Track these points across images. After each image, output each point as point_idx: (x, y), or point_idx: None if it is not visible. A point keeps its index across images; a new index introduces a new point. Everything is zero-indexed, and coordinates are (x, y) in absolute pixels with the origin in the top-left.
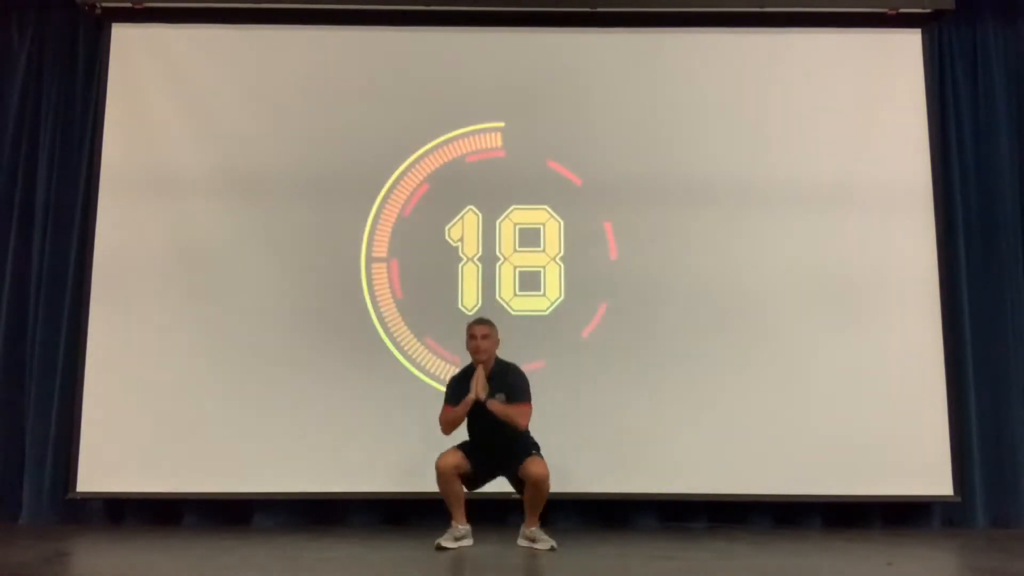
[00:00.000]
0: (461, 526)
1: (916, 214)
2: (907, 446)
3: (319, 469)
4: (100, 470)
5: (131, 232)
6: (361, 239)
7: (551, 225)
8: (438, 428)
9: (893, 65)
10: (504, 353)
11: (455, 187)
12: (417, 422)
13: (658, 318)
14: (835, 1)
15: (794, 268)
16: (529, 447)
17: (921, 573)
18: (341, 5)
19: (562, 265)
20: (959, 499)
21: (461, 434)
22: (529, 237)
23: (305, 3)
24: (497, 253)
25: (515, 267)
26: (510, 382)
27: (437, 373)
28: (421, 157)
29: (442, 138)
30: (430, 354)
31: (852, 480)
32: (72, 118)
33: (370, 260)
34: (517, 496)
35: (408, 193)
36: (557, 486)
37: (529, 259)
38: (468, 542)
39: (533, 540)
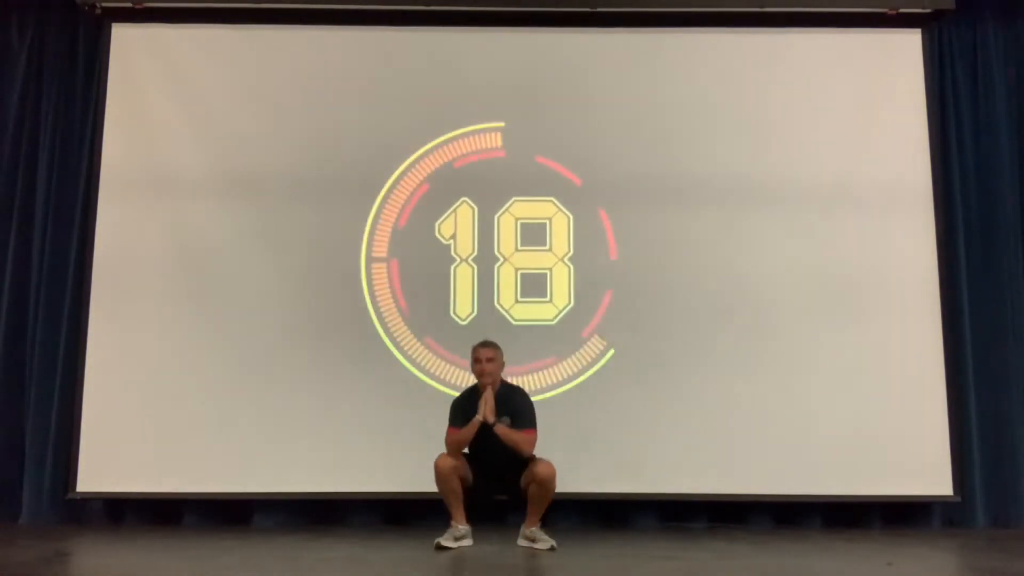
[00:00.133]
0: (461, 526)
1: (916, 214)
2: (907, 446)
3: (319, 469)
4: (100, 470)
5: (131, 232)
6: (361, 239)
7: (559, 219)
8: (438, 428)
9: (893, 65)
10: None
11: (455, 187)
12: (417, 422)
13: (658, 318)
14: (835, 1)
15: (794, 268)
16: (528, 460)
17: (921, 573)
18: (341, 5)
19: (571, 266)
20: (959, 499)
21: None
22: (533, 234)
23: (305, 3)
24: (496, 253)
25: (517, 269)
26: (516, 407)
27: (437, 373)
28: (421, 157)
29: (442, 138)
30: (430, 354)
31: (852, 480)
32: (72, 118)
33: (370, 260)
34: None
35: (408, 193)
36: (557, 486)
37: (534, 259)
38: (468, 542)
39: (533, 540)
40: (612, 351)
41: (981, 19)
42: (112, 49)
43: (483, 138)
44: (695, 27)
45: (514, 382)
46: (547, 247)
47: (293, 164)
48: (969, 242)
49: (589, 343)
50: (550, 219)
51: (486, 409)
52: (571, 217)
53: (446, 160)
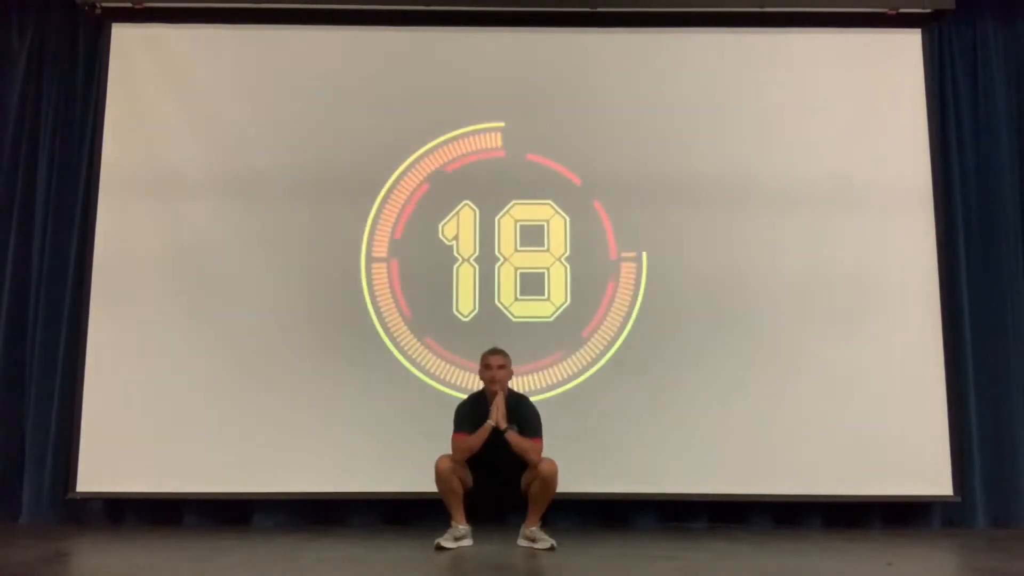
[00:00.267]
0: (461, 526)
1: (916, 214)
2: (907, 446)
3: (319, 469)
4: (100, 470)
5: (131, 232)
6: (361, 239)
7: (556, 221)
8: (438, 428)
9: (893, 65)
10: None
11: (455, 187)
12: (417, 422)
13: (658, 318)
14: (835, 1)
15: (794, 267)
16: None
17: (921, 573)
18: (341, 5)
19: (568, 266)
20: (959, 499)
21: None
22: (532, 235)
23: (305, 3)
24: (496, 253)
25: (516, 269)
26: (523, 415)
27: (437, 373)
28: (421, 157)
29: (442, 138)
30: (430, 354)
31: (852, 480)
32: (72, 118)
33: (370, 260)
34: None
35: (408, 193)
36: (558, 486)
37: (532, 260)
38: (468, 542)
39: (533, 540)
40: (612, 351)
41: (981, 19)
42: (112, 49)
43: (483, 138)
44: (695, 27)
45: (515, 381)
46: (545, 248)
47: (293, 164)
48: (969, 242)
49: (589, 343)
50: (547, 221)
51: (498, 415)
52: (568, 219)
53: (446, 160)
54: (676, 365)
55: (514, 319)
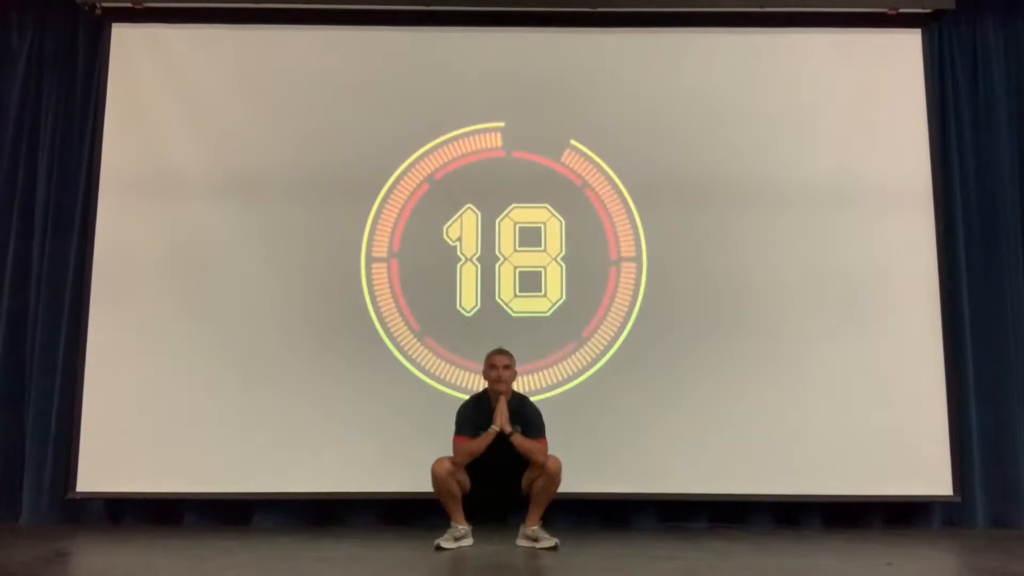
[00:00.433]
0: (461, 526)
1: (916, 214)
2: (907, 446)
3: (319, 469)
4: (100, 470)
5: (131, 232)
6: (361, 239)
7: (552, 224)
8: (438, 427)
9: (893, 65)
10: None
11: (455, 187)
12: (417, 422)
13: (657, 318)
14: (835, 1)
15: (793, 267)
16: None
17: (921, 573)
18: (341, 5)
19: (564, 265)
20: (959, 499)
21: None
22: (530, 236)
23: (305, 3)
24: (497, 253)
25: (515, 267)
26: (527, 416)
27: (437, 373)
28: (421, 157)
29: (442, 138)
30: (430, 354)
31: (852, 480)
32: (72, 118)
33: (370, 260)
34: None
35: (408, 193)
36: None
37: (530, 259)
38: (468, 542)
39: (536, 539)
40: (612, 351)
41: (981, 19)
42: (112, 49)
43: (483, 138)
44: (695, 27)
45: (516, 382)
46: (542, 248)
47: (293, 164)
48: (969, 242)
49: (589, 343)
50: (544, 223)
51: (502, 419)
52: (563, 221)
53: (446, 160)
54: (676, 365)
55: (513, 314)
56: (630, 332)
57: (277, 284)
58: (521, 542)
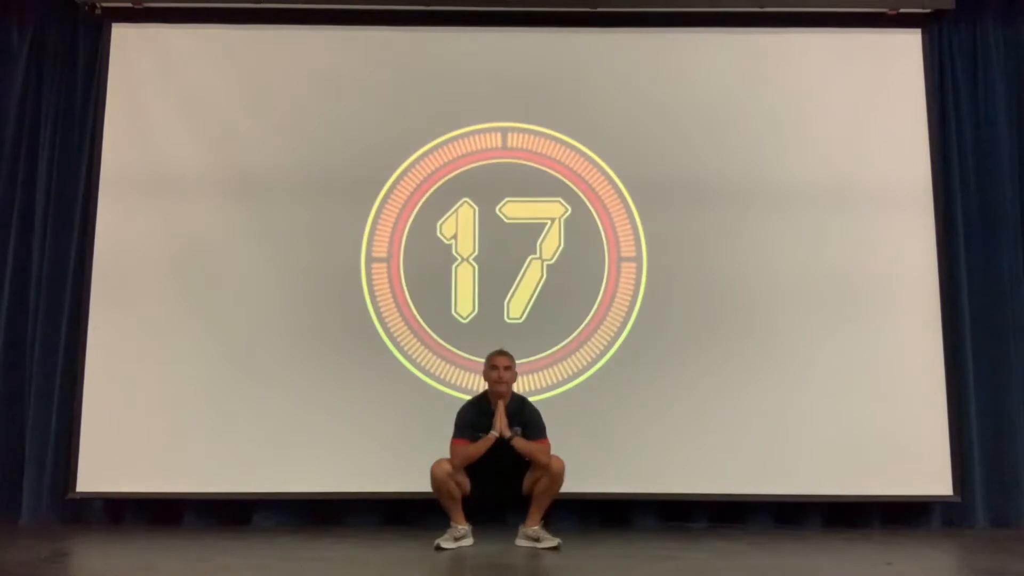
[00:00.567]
0: (460, 526)
1: (916, 214)
2: (907, 446)
3: (319, 469)
4: (100, 470)
5: (131, 232)
6: (361, 239)
7: (552, 223)
8: (438, 427)
9: (893, 65)
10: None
11: (455, 187)
12: (417, 422)
13: (657, 318)
14: (835, 1)
15: (794, 267)
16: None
17: (921, 573)
18: (341, 5)
19: (563, 265)
20: (959, 499)
21: None
22: (529, 235)
23: (305, 3)
24: (495, 252)
25: (514, 267)
26: (527, 418)
27: (437, 373)
28: (421, 157)
29: (442, 138)
30: (430, 354)
31: (852, 480)
32: (72, 118)
33: (370, 260)
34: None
35: (408, 193)
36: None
37: (529, 258)
38: (468, 542)
39: (537, 539)
40: (612, 351)
41: (981, 19)
42: (112, 49)
43: (483, 138)
44: (695, 27)
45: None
46: (540, 246)
47: (293, 164)
48: (969, 242)
49: (589, 343)
50: (544, 222)
51: (501, 424)
52: (563, 221)
53: (446, 160)
54: (676, 365)
55: (513, 314)
56: (630, 332)
57: (277, 284)
58: (521, 542)
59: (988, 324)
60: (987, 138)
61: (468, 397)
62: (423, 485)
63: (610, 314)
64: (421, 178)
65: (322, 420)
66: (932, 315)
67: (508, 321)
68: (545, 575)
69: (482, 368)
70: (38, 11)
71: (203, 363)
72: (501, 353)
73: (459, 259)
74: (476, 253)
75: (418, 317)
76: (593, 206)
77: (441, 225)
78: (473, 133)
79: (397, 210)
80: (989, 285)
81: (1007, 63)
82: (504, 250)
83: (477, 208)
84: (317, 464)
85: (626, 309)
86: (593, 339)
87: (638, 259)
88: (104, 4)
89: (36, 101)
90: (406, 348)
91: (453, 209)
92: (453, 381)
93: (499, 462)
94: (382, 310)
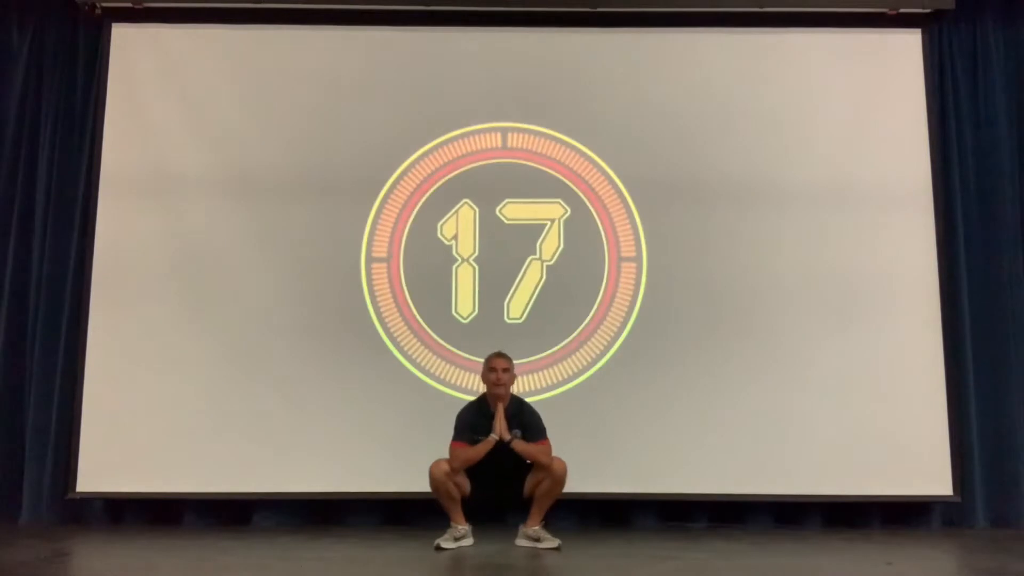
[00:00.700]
0: (460, 526)
1: (916, 214)
2: (907, 446)
3: (319, 469)
4: (100, 470)
5: (131, 232)
6: (361, 239)
7: (552, 223)
8: (438, 427)
9: (893, 65)
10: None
11: (455, 187)
12: (417, 422)
13: (657, 318)
14: (835, 1)
15: (794, 267)
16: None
17: (921, 573)
18: (341, 5)
19: (561, 265)
20: (959, 499)
21: None
22: (529, 235)
23: (305, 3)
24: (494, 252)
25: (514, 267)
26: (526, 419)
27: (437, 373)
28: (421, 157)
29: (442, 138)
30: (430, 354)
31: (852, 480)
32: (72, 118)
33: (370, 260)
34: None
35: (408, 193)
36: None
37: (529, 258)
38: (468, 542)
39: (537, 540)
40: (612, 351)
41: (981, 19)
42: (112, 49)
43: (483, 138)
44: (695, 27)
45: (515, 382)
46: (541, 247)
47: (293, 164)
48: (969, 242)
49: (589, 343)
50: (544, 221)
51: (500, 427)
52: (566, 220)
53: (446, 160)
54: (676, 365)
55: (512, 315)
56: (630, 332)
57: (277, 284)
58: (521, 542)
59: (988, 324)
60: (987, 138)
61: (468, 397)
62: (423, 485)
63: (610, 314)
64: (421, 178)
65: (322, 420)
66: (932, 315)
67: (508, 321)
68: (545, 575)
69: (481, 370)
70: (38, 11)
71: (203, 363)
72: (499, 355)
73: (460, 260)
74: (476, 254)
75: (418, 317)
76: (593, 206)
77: (442, 226)
78: (473, 133)
79: (397, 210)
80: (989, 285)
81: (1007, 63)
82: (504, 251)
83: (477, 209)
84: (317, 464)
85: (626, 309)
86: (593, 339)
87: (638, 259)
88: (104, 4)
89: (36, 101)
90: (406, 348)
91: (454, 210)
92: (453, 381)
93: (499, 465)
94: (382, 310)
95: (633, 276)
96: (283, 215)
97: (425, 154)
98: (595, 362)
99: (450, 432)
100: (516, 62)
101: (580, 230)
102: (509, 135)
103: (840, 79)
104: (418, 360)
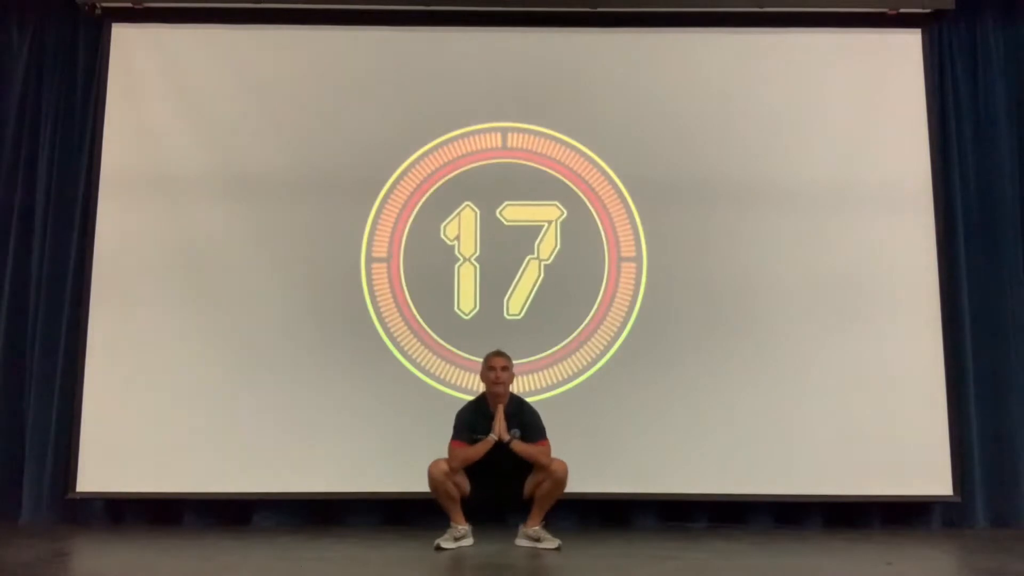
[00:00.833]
0: (460, 526)
1: (916, 214)
2: (907, 446)
3: (319, 469)
4: (100, 470)
5: (131, 232)
6: (361, 239)
7: (548, 226)
8: (438, 427)
9: (893, 65)
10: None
11: (455, 187)
12: (417, 422)
13: (657, 318)
14: (835, 1)
15: (794, 268)
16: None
17: (921, 573)
18: (341, 5)
19: (561, 265)
20: (959, 499)
21: None
22: (529, 235)
23: (305, 3)
24: (495, 252)
25: (514, 267)
26: (526, 419)
27: (437, 373)
28: (421, 157)
29: (442, 138)
30: (430, 354)
31: (852, 480)
32: (72, 118)
33: (370, 260)
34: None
35: (408, 193)
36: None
37: (529, 258)
38: (468, 542)
39: (538, 540)
40: (612, 351)
41: (981, 19)
42: (112, 49)
43: (483, 138)
44: (695, 27)
45: (515, 382)
46: (538, 247)
47: (293, 164)
48: (969, 242)
49: (589, 343)
50: (544, 223)
51: (500, 427)
52: (563, 221)
53: (446, 160)
54: (676, 365)
55: (513, 314)
56: (630, 332)
57: (277, 284)
58: (521, 542)
59: (988, 324)
60: (987, 138)
61: (468, 397)
62: (423, 485)
63: (610, 314)
64: (421, 178)
65: (322, 420)
66: (932, 315)
67: (507, 318)
68: (545, 575)
69: (480, 370)
70: (38, 11)
71: (203, 363)
72: (498, 353)
73: (461, 259)
74: (477, 254)
75: (418, 317)
76: (593, 206)
77: (445, 227)
78: (473, 133)
79: (397, 210)
80: (989, 285)
81: (1007, 63)
82: (504, 251)
83: (478, 211)
84: (317, 464)
85: (626, 309)
86: (593, 339)
87: (638, 259)
88: (104, 4)
89: (36, 101)
90: (406, 348)
91: (456, 212)
92: (453, 381)
93: (499, 465)
94: (382, 310)
95: (633, 276)
96: (283, 215)
97: (425, 154)
98: (595, 362)
99: (450, 432)
100: (516, 62)
101: (580, 230)
102: (509, 135)
103: (840, 79)
104: (418, 360)
